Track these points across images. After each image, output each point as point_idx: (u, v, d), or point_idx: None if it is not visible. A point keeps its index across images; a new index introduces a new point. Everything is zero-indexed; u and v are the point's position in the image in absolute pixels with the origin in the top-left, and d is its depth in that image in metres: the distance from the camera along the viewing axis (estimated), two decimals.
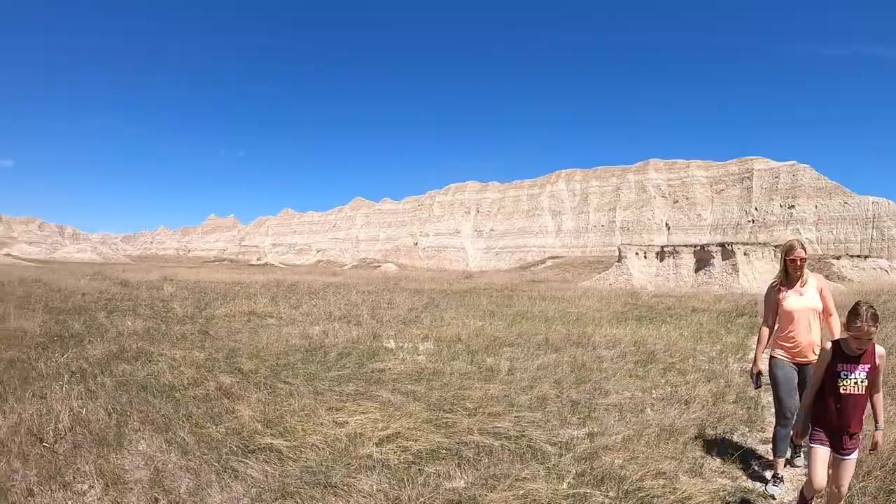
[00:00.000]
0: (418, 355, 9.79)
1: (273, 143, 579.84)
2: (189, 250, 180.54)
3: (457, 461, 4.81)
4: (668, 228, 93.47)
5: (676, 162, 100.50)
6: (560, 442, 5.29)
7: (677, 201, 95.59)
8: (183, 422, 5.62)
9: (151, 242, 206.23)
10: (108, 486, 4.29)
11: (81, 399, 6.13)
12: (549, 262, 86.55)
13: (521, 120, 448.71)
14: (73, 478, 4.41)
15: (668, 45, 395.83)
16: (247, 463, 4.64)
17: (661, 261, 42.61)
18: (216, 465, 4.64)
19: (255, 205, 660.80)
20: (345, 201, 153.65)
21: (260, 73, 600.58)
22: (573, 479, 4.48)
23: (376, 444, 5.09)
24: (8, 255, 75.51)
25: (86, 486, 4.31)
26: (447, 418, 5.90)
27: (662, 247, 44.86)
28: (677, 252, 41.72)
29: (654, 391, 7.51)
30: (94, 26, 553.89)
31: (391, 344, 10.87)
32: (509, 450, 5.07)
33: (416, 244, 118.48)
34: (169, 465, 4.66)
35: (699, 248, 41.02)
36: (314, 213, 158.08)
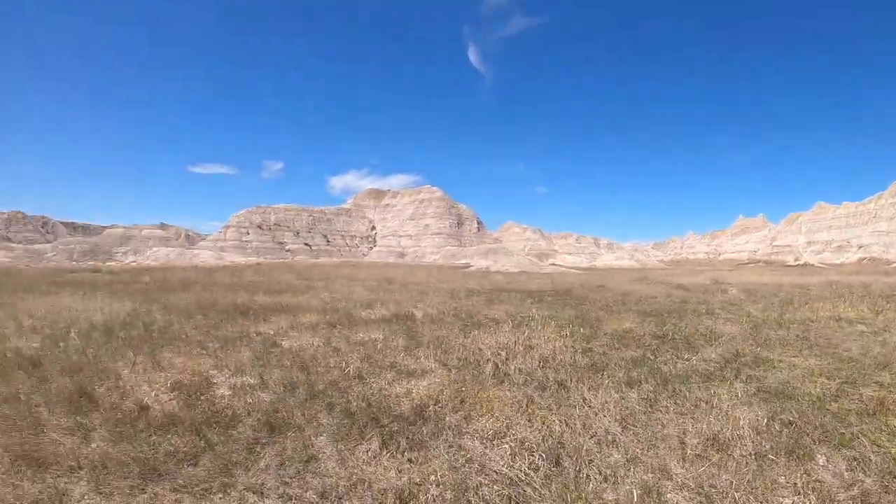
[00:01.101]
0: None
1: (797, 136, 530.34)
2: (719, 253, 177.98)
3: None
4: None
5: None
6: None
7: None
8: (858, 437, 5.38)
9: (681, 247, 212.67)
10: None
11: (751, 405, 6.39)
12: None
13: None
14: (770, 489, 4.47)
15: None
16: None
17: None
18: None
19: (785, 201, 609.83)
20: (883, 186, 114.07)
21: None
22: None
23: None
24: (553, 264, 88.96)
25: (788, 501, 4.32)
26: None
27: None
28: None
29: None
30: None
31: None
32: None
33: None
34: (866, 485, 4.50)
35: None
36: (849, 203, 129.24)
